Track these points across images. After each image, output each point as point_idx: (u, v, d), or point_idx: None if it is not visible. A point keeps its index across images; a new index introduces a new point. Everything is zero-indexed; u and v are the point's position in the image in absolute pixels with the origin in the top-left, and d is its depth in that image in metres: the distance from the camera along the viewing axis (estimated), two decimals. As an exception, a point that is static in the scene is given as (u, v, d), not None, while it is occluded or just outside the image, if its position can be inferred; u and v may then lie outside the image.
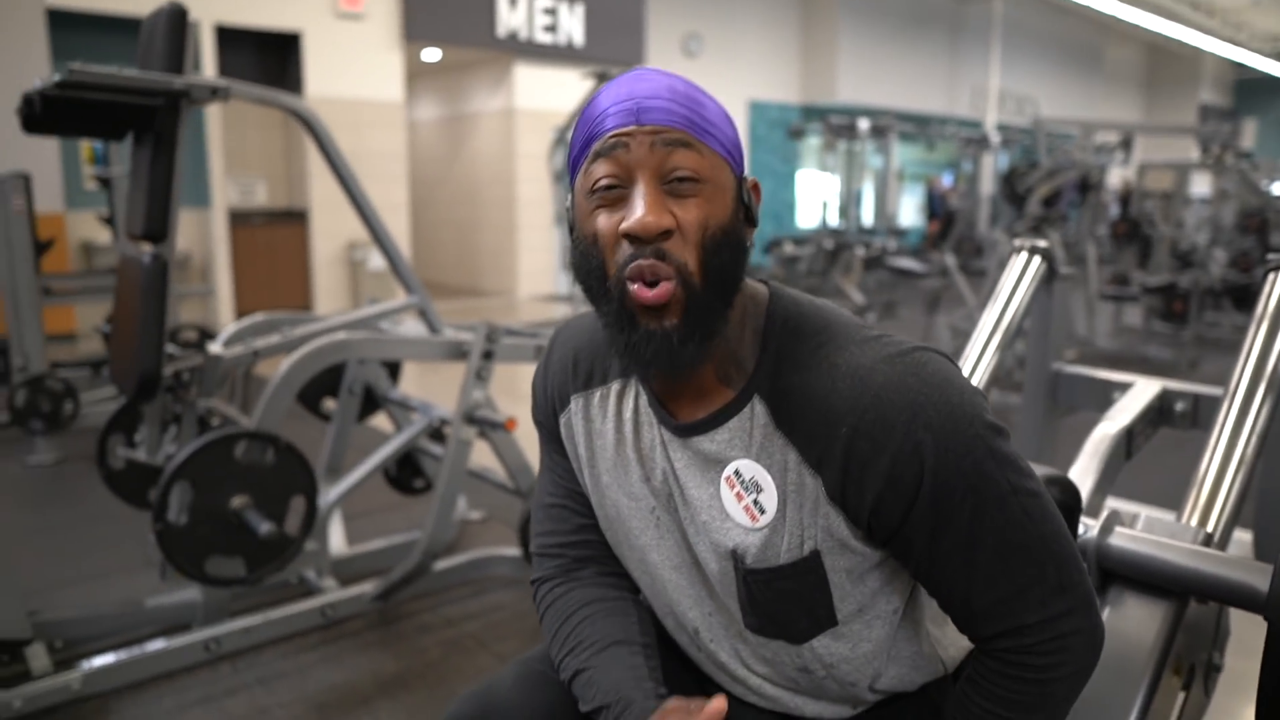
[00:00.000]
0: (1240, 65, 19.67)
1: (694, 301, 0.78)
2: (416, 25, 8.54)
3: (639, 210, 0.76)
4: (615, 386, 0.92)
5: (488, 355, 2.61)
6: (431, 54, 9.67)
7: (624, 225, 0.77)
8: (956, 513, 0.77)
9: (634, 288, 0.77)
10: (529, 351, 2.84)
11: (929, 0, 15.14)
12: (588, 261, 0.81)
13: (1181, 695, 1.06)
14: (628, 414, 0.90)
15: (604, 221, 0.79)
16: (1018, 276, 1.61)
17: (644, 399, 0.89)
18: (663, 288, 0.76)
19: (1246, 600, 0.93)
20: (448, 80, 10.78)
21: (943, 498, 0.76)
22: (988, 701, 0.83)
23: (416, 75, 10.70)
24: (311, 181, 8.08)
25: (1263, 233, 8.33)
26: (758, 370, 0.83)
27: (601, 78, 7.07)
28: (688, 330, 0.78)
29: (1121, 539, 1.04)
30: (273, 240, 8.31)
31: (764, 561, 0.83)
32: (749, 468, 0.83)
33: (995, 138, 11.67)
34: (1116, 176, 10.40)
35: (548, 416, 0.98)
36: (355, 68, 8.25)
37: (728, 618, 0.90)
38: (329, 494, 2.63)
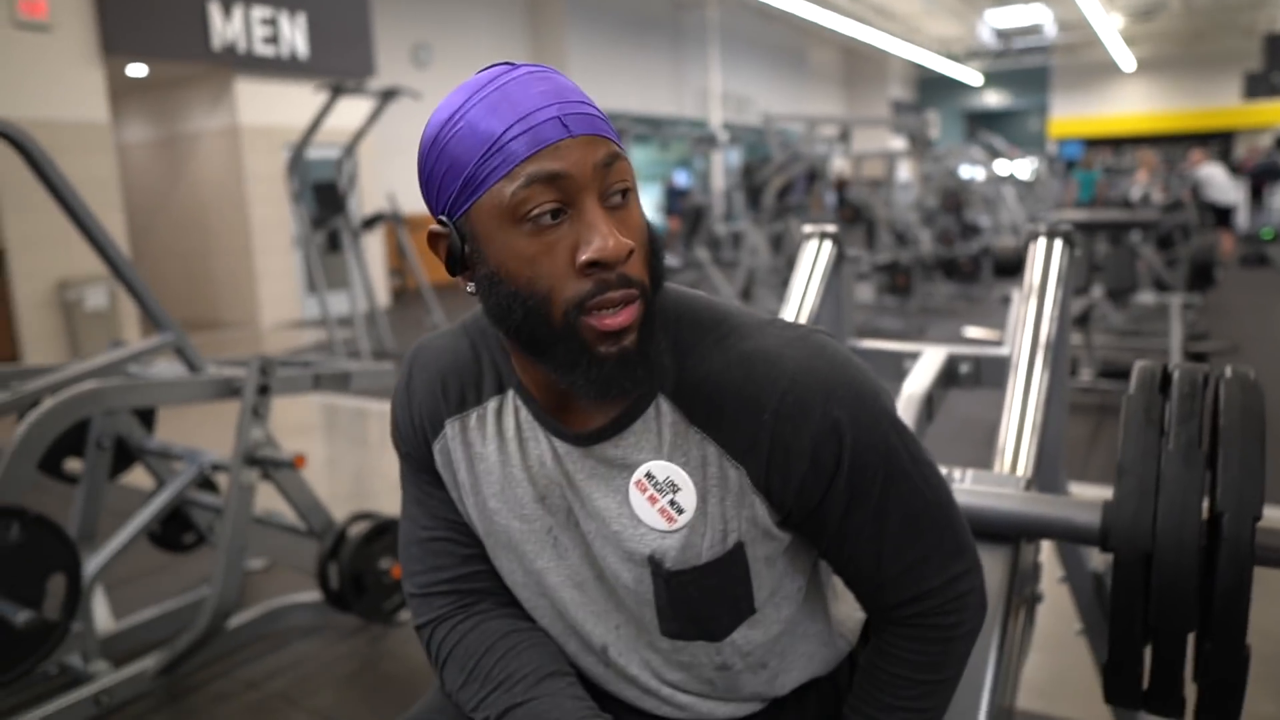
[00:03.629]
0: (920, 65, 22.08)
1: (647, 315, 0.74)
2: (117, 38, 7.71)
3: (602, 236, 0.69)
4: (492, 405, 0.86)
5: (264, 390, 2.41)
6: (137, 69, 8.80)
7: (588, 255, 0.69)
8: (869, 486, 0.79)
9: (593, 320, 0.71)
10: (307, 382, 2.66)
11: (649, 7, 15.75)
12: (522, 305, 0.72)
13: (1021, 629, 1.16)
14: (510, 432, 0.85)
15: (547, 255, 0.70)
16: (812, 261, 1.70)
17: (524, 413, 0.84)
18: (627, 311, 0.71)
19: (1083, 536, 1.03)
20: (161, 97, 9.85)
21: (858, 472, 0.78)
22: (897, 667, 0.86)
23: (123, 93, 9.69)
24: (5, 216, 7.11)
25: (958, 211, 9.44)
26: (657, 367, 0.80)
27: (336, 90, 6.69)
28: (642, 345, 0.74)
29: (962, 495, 1.12)
30: (-42, 287, 7.24)
31: (686, 562, 0.81)
32: (662, 468, 0.80)
33: (723, 136, 12.35)
34: (833, 167, 11.32)
35: (416, 446, 0.90)
36: (46, 85, 7.32)
37: (638, 628, 0.87)
38: (89, 565, 2.32)
